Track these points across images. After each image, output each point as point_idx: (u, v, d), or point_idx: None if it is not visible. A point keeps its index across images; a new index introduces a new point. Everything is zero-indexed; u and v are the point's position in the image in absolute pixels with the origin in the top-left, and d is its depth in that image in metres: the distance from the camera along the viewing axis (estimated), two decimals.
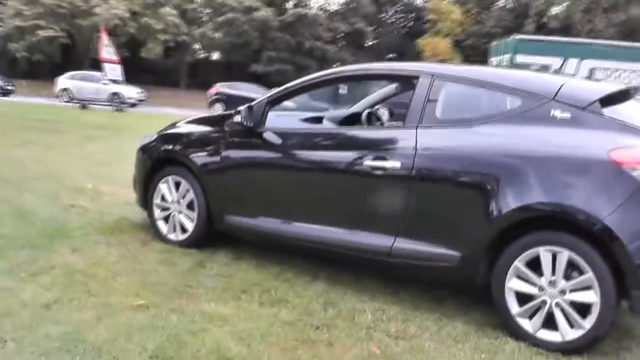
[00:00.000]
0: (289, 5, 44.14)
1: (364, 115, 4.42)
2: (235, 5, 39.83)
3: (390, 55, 41.65)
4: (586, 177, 3.02)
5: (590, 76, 22.95)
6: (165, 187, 4.52)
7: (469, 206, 3.30)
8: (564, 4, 38.34)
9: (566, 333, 3.06)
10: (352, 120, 4.75)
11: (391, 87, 4.73)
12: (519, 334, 3.16)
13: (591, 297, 2.98)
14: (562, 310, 3.06)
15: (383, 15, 48.40)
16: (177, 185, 4.46)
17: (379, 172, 3.50)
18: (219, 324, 3.13)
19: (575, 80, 3.59)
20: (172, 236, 4.52)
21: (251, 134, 4.09)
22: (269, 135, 4.05)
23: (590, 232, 2.96)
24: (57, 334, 2.86)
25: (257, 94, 28.92)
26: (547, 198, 3.06)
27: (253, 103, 4.17)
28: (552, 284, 3.07)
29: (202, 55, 48.33)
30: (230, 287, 3.72)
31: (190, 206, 4.40)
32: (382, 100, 4.86)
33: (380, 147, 3.57)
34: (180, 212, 4.47)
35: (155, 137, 4.72)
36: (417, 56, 41.29)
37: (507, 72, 4.20)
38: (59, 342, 2.79)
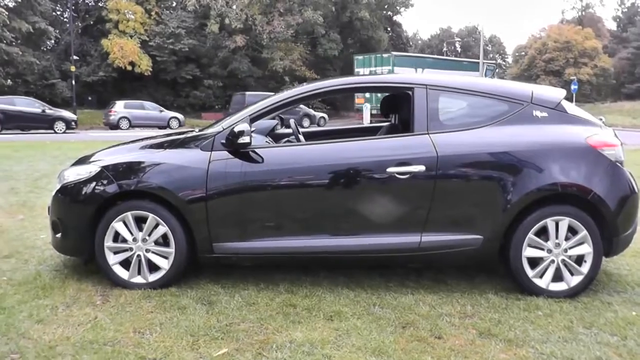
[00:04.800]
0: None
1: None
2: None
3: (75, 57, 39.06)
4: (575, 160, 3.89)
5: None
6: (121, 226, 4.02)
7: (488, 195, 3.87)
8: (240, 7, 41.04)
9: (570, 281, 3.90)
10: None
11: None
12: (536, 291, 3.89)
13: (586, 249, 3.87)
14: (565, 265, 3.90)
15: (59, 13, 44.84)
16: (138, 221, 4.02)
17: (403, 177, 3.82)
18: (331, 346, 3.13)
19: (535, 86, 4.44)
20: (137, 279, 4.07)
21: (241, 154, 3.95)
22: (264, 153, 3.98)
23: (585, 200, 3.84)
24: None
25: (36, 108, 25.81)
26: (553, 180, 3.83)
27: (234, 120, 4.03)
28: (557, 245, 3.88)
29: None
30: (279, 312, 3.63)
31: (160, 242, 4.03)
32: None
33: (400, 154, 3.87)
34: (147, 250, 4.04)
35: (96, 171, 4.08)
36: (103, 57, 39.56)
37: (484, 82, 4.80)
38: None
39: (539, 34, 66.73)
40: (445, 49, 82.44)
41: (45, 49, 41.58)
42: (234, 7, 41.60)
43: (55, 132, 25.25)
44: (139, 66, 38.96)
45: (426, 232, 3.89)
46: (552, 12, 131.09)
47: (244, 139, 3.84)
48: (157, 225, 4.00)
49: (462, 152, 3.88)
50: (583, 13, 73.04)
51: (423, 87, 4.05)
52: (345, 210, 3.95)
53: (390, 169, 3.84)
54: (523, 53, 68.06)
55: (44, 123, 25.47)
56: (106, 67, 39.83)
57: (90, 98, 40.28)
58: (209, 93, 42.67)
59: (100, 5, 42.94)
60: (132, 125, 29.98)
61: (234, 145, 3.90)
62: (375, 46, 48.39)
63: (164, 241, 4.03)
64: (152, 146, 4.27)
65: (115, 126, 29.62)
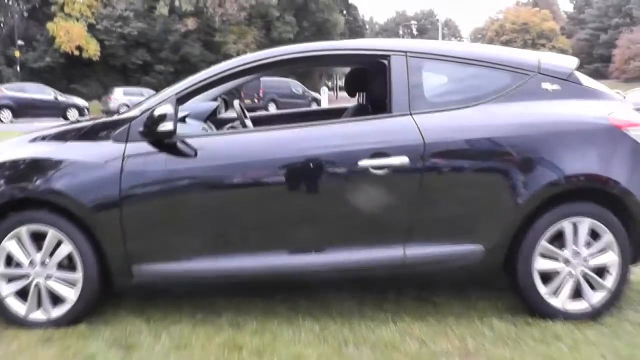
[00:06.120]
0: None
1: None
2: None
3: (20, 42, 36.95)
4: (596, 144, 3.04)
5: None
6: (14, 245, 3.01)
7: (490, 193, 3.01)
8: None
9: (592, 298, 3.07)
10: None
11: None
12: (549, 313, 3.05)
13: (611, 257, 3.03)
14: (586, 278, 3.06)
15: None
16: (37, 238, 3.02)
17: (380, 172, 2.91)
18: None
19: (542, 53, 3.56)
20: (37, 315, 3.06)
21: (166, 146, 2.98)
22: (198, 144, 3.01)
23: (610, 194, 3.01)
24: None
25: (48, 95, 24.74)
26: (573, 170, 2.98)
27: (155, 101, 3.05)
28: (576, 254, 3.03)
29: None
30: (218, 358, 2.69)
31: (65, 265, 3.04)
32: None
33: (375, 143, 2.95)
34: (48, 276, 3.03)
35: None
36: (50, 42, 37.55)
37: (479, 48, 3.85)
38: None
39: (496, 17, 66.89)
40: (401, 32, 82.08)
41: None
42: None
43: (69, 120, 24.04)
44: (87, 51, 37.12)
45: (411, 242, 2.99)
46: None
47: (166, 126, 2.85)
48: (59, 244, 3.01)
49: (455, 138, 2.99)
50: None
51: (402, 55, 3.12)
52: (305, 217, 3.03)
53: (363, 162, 2.91)
54: (480, 36, 68.12)
55: (57, 110, 24.60)
56: (53, 52, 37.88)
57: None
58: (161, 79, 40.71)
59: None
60: None
61: (153, 134, 2.92)
62: (331, 29, 47.07)
63: (69, 264, 3.04)
64: (50, 138, 3.26)
65: (115, 113, 27.98)
